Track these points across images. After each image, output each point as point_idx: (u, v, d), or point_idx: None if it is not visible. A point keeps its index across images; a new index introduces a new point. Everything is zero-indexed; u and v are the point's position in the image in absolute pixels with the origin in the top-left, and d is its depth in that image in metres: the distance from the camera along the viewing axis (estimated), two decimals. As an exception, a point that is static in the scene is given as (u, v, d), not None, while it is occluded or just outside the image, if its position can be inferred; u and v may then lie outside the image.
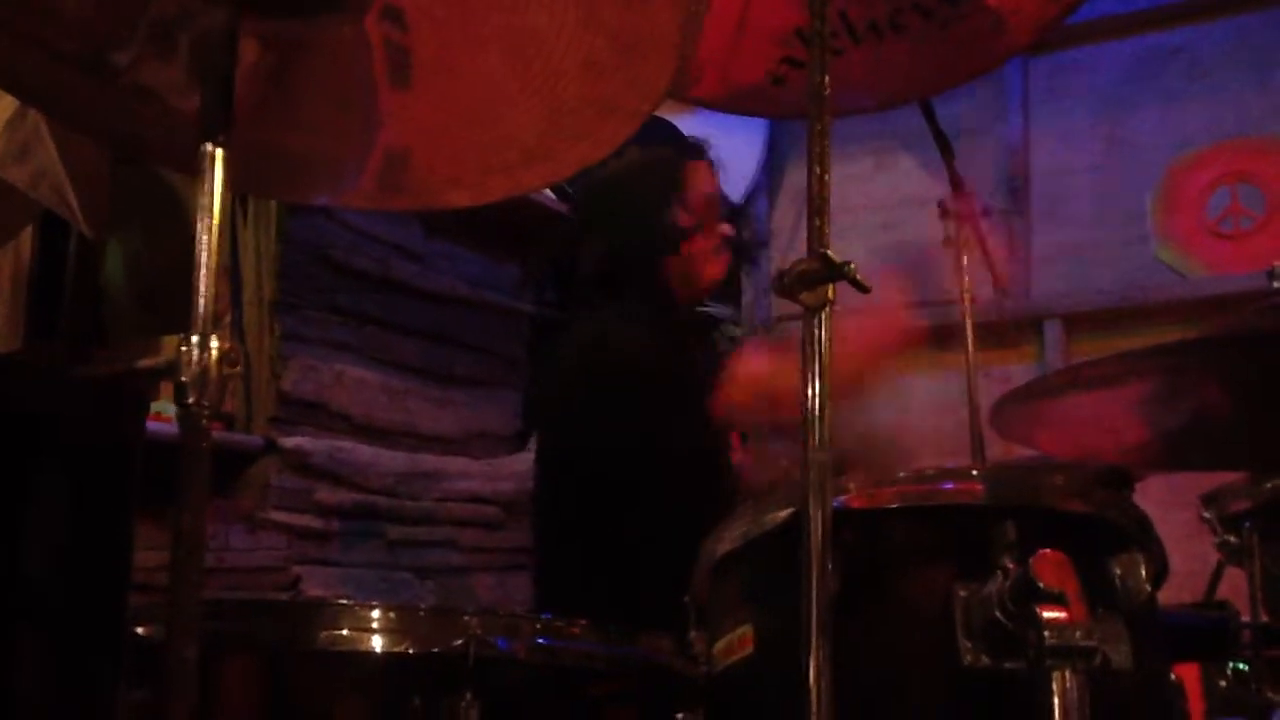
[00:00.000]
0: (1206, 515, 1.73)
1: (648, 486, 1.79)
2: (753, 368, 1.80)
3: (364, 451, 2.57)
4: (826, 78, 0.97)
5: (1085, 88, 3.37)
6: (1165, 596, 1.09)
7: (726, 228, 2.02)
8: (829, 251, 0.89)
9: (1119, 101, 3.33)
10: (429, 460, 2.73)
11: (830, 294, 0.89)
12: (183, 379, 0.86)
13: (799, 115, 1.03)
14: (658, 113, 1.18)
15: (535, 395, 2.11)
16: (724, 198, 2.11)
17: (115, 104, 1.08)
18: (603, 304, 1.91)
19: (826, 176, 0.94)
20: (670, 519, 1.70)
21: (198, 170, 0.91)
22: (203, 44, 0.97)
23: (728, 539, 1.10)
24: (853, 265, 0.89)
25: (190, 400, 0.86)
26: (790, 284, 0.89)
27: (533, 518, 2.07)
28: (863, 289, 0.89)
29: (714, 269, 1.99)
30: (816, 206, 0.93)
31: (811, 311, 0.89)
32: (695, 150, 2.05)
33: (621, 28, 1.04)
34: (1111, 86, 3.35)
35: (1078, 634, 0.88)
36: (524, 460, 1.95)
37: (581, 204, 2.13)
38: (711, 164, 2.04)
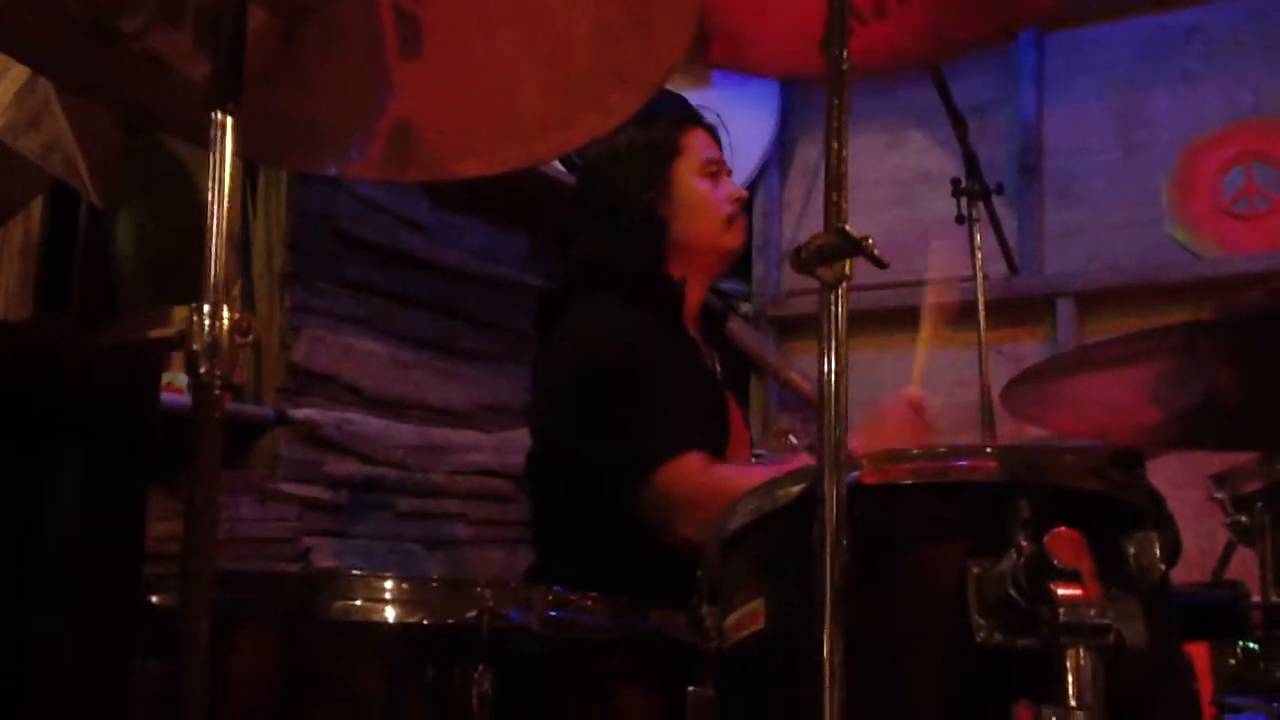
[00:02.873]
0: (1217, 495, 1.72)
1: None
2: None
3: (373, 424, 2.56)
4: (845, 52, 0.96)
5: (1100, 65, 3.34)
6: (1174, 575, 1.09)
7: (742, 191, 1.95)
8: (847, 226, 0.88)
9: (1134, 80, 3.30)
10: (438, 433, 2.73)
11: (848, 269, 0.88)
12: (194, 348, 0.86)
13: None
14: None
15: (532, 383, 2.04)
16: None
17: (124, 71, 1.07)
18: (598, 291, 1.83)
19: (845, 151, 0.93)
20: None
21: (207, 139, 0.90)
22: (211, 10, 0.96)
23: (740, 514, 1.10)
24: (871, 240, 0.88)
25: (202, 370, 0.86)
26: (808, 259, 0.88)
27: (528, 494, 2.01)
28: (881, 264, 0.88)
29: (732, 239, 1.92)
30: (834, 181, 0.92)
31: (829, 287, 0.89)
32: (693, 117, 1.99)
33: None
34: (1127, 64, 3.31)
35: (1092, 612, 0.87)
36: (533, 434, 1.94)
37: (580, 179, 2.04)
38: (712, 130, 1.98)
